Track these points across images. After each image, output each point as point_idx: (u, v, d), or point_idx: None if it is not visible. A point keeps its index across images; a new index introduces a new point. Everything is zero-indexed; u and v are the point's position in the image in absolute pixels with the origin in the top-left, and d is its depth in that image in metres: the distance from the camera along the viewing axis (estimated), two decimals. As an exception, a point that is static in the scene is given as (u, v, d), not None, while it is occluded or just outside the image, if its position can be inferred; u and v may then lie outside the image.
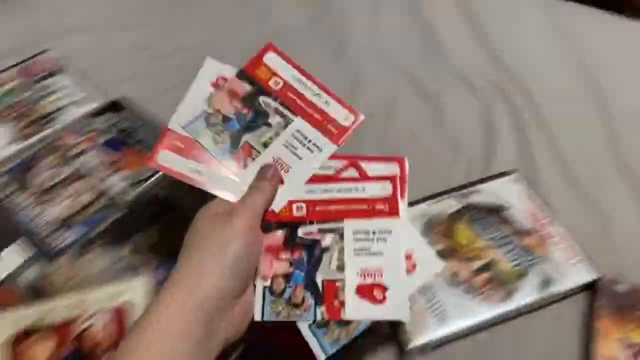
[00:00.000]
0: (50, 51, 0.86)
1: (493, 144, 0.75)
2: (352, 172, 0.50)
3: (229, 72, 0.52)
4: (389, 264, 0.45)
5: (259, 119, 0.50)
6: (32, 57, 0.85)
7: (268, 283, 0.45)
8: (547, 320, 0.57)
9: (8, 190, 0.67)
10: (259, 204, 0.45)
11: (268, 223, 0.47)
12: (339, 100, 0.52)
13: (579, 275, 0.58)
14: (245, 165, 0.48)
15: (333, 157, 0.50)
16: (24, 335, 0.53)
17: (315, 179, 0.49)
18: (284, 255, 0.46)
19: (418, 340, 0.54)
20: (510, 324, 0.57)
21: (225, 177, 0.48)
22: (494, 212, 0.64)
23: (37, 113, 0.77)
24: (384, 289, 0.44)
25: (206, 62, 0.52)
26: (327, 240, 0.46)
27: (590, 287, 0.58)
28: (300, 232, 0.47)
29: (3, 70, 0.83)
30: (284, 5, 1.00)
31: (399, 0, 0.99)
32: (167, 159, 0.48)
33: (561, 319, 0.57)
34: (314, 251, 0.46)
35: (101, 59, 0.87)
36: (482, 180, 0.68)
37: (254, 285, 0.45)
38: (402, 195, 0.48)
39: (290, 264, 0.46)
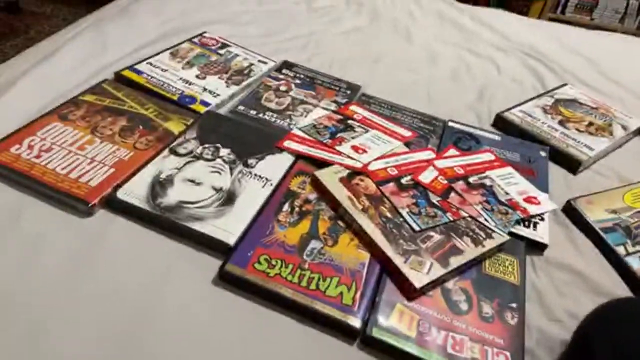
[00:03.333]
0: (206, 33, 1.04)
1: None
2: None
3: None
4: (526, 187, 0.76)
5: (347, 129, 0.84)
6: (194, 37, 1.02)
7: (407, 209, 0.68)
8: None
9: (255, 110, 0.85)
10: None
11: (378, 181, 0.71)
12: (400, 125, 0.87)
13: None
14: (336, 147, 0.79)
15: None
16: (355, 174, 0.72)
17: (464, 154, 0.81)
18: (404, 194, 0.72)
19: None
20: None
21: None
22: None
23: (234, 68, 0.95)
24: (535, 198, 0.75)
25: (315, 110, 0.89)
26: (487, 181, 0.76)
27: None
28: (473, 179, 0.75)
29: (158, 53, 0.97)
30: None
31: None
32: (290, 145, 0.78)
33: None
34: (489, 189, 0.74)
35: (245, 40, 1.07)
36: None
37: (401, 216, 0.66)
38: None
39: (412, 197, 0.71)
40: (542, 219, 0.72)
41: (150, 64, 0.91)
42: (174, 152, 0.72)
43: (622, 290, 0.64)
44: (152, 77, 0.87)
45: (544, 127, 0.93)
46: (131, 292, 0.54)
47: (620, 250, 0.68)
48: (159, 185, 0.66)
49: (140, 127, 0.75)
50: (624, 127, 0.96)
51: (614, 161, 0.90)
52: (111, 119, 0.75)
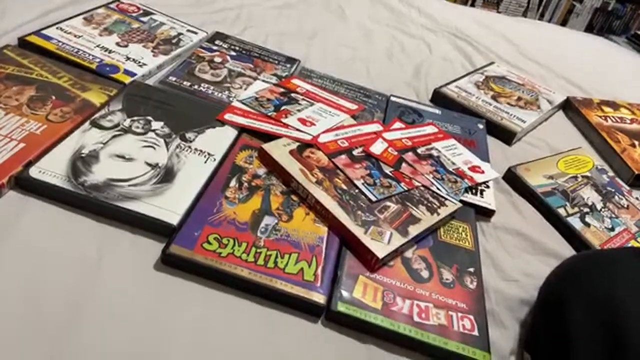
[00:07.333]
0: (124, -1, 0.93)
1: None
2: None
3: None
4: (469, 157, 0.77)
5: (292, 102, 0.79)
6: (110, 3, 0.90)
7: (362, 180, 0.65)
8: None
9: (188, 82, 0.77)
10: None
11: (330, 153, 0.68)
12: (344, 98, 0.84)
13: None
14: (282, 119, 0.74)
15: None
16: (305, 146, 0.68)
17: (410, 126, 0.80)
18: (357, 166, 0.70)
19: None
20: None
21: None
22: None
23: (161, 37, 0.85)
24: (479, 167, 0.76)
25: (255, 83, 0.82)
26: (434, 152, 0.76)
27: None
28: (421, 150, 0.75)
29: (70, 18, 0.85)
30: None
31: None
32: (233, 118, 0.71)
33: None
34: (437, 159, 0.74)
35: (169, 9, 0.98)
36: None
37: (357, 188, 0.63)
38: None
39: (366, 168, 0.70)
40: (488, 187, 0.73)
41: (61, 29, 0.78)
42: (96, 125, 0.62)
43: (566, 249, 0.67)
44: (63, 43, 0.75)
45: (479, 102, 0.95)
46: (55, 284, 0.46)
47: (561, 212, 0.71)
48: (81, 161, 0.56)
49: (53, 97, 0.64)
50: (550, 102, 1.02)
51: (543, 133, 0.95)
52: (17, 89, 0.63)
